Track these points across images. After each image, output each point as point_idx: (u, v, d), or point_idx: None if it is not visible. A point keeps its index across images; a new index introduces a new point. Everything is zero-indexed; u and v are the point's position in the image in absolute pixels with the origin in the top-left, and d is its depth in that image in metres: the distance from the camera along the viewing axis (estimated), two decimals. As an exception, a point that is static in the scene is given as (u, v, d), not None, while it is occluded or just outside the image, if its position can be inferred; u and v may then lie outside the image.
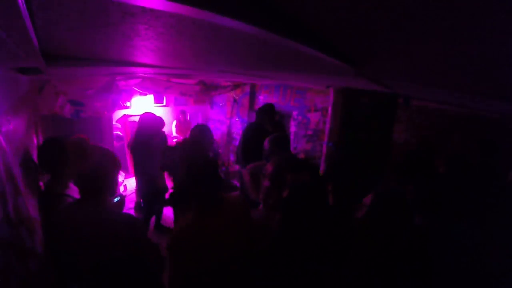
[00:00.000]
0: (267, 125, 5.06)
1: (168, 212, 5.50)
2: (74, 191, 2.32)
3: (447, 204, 2.35)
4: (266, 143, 3.34)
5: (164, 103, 9.12)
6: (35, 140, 3.25)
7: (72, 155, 2.26)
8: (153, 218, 5.22)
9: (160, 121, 4.84)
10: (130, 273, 1.96)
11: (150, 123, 4.73)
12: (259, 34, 0.87)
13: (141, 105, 8.33)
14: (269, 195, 2.15)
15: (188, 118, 9.03)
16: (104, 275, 1.92)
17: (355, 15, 0.81)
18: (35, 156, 2.72)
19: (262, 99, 7.90)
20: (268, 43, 1.11)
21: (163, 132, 5.23)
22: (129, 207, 5.56)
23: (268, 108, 5.21)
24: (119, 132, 7.62)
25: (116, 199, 2.89)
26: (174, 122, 8.72)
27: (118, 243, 1.96)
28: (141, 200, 5.07)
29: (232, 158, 8.95)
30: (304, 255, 1.86)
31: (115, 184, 2.16)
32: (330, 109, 4.37)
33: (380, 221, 2.16)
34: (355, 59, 1.42)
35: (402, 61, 1.34)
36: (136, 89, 6.43)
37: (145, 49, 1.41)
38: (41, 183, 2.80)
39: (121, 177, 6.14)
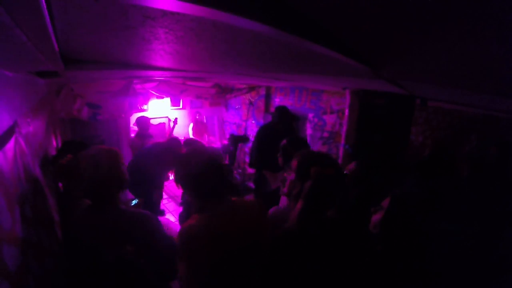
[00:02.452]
0: (280, 127, 5.06)
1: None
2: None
3: (465, 207, 2.31)
4: (283, 146, 3.30)
5: (181, 106, 9.19)
6: (54, 142, 3.29)
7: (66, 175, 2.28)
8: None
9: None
10: (143, 271, 1.97)
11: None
12: (278, 36, 0.86)
13: (158, 108, 8.41)
14: (293, 187, 2.13)
15: (205, 121, 9.09)
16: (118, 272, 1.93)
17: (374, 18, 0.80)
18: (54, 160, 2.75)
19: (277, 101, 7.88)
20: (288, 45, 1.10)
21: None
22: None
23: (281, 110, 5.22)
24: (135, 135, 7.71)
25: (133, 202, 2.91)
26: (191, 125, 8.78)
27: (133, 240, 1.97)
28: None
29: (248, 160, 8.95)
30: (320, 250, 1.85)
31: (122, 179, 2.14)
32: (346, 111, 4.34)
33: (398, 225, 2.13)
34: (373, 60, 1.40)
35: (421, 62, 1.32)
36: (153, 92, 6.48)
37: (164, 53, 1.41)
38: (60, 185, 2.83)
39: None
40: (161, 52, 1.38)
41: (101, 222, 1.98)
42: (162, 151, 4.76)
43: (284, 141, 3.33)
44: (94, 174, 1.99)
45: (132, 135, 7.34)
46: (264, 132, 5.24)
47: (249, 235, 1.89)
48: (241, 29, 0.86)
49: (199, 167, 1.90)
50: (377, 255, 2.06)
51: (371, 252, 2.07)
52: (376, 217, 2.22)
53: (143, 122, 6.07)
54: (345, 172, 2.85)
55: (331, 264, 1.87)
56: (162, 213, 6.52)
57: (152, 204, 4.77)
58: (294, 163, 2.14)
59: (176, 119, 6.88)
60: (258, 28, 0.78)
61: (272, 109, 7.86)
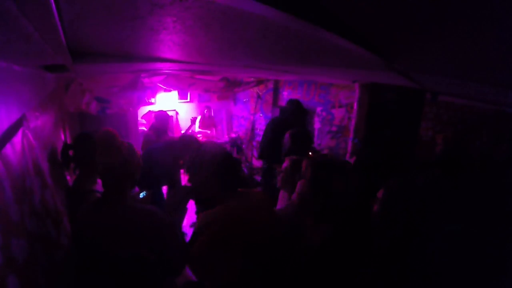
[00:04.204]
0: (292, 120, 5.05)
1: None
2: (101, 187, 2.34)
3: (473, 205, 2.28)
4: (286, 138, 3.34)
5: (188, 99, 9.21)
6: (62, 137, 3.30)
7: (99, 149, 2.25)
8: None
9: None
10: (151, 265, 1.98)
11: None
12: (289, 22, 0.85)
13: (166, 101, 8.43)
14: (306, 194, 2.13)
15: (212, 114, 9.11)
16: (127, 267, 1.94)
17: (389, 6, 0.78)
18: (63, 152, 2.76)
19: (286, 95, 7.86)
20: (298, 34, 1.08)
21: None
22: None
23: (294, 103, 5.22)
24: (144, 128, 7.72)
25: (142, 195, 2.91)
26: (199, 117, 8.80)
27: (142, 234, 1.97)
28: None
29: (256, 154, 8.93)
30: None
31: (137, 177, 2.17)
32: (355, 104, 4.31)
33: (393, 214, 2.11)
34: (386, 51, 1.38)
35: (436, 53, 1.30)
36: (161, 86, 6.48)
37: (172, 44, 1.40)
38: (68, 178, 2.84)
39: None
40: (169, 43, 1.37)
41: (109, 218, 1.99)
42: (177, 150, 4.75)
43: (287, 135, 3.35)
44: (127, 165, 2.02)
45: (144, 128, 7.35)
46: (276, 125, 5.23)
47: (261, 224, 1.91)
48: (251, 18, 0.85)
49: (214, 163, 2.00)
50: (377, 253, 2.03)
51: (371, 251, 2.05)
52: (375, 208, 2.20)
53: (162, 118, 5.97)
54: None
55: (330, 263, 1.85)
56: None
57: (160, 198, 4.77)
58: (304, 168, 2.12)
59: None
60: (268, 13, 0.76)
61: (281, 103, 7.87)
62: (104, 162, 2.05)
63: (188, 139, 4.81)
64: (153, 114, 6.14)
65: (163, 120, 5.86)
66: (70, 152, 2.75)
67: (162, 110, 6.06)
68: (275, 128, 5.15)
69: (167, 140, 5.17)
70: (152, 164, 4.30)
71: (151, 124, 6.00)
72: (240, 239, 1.86)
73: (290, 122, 5.04)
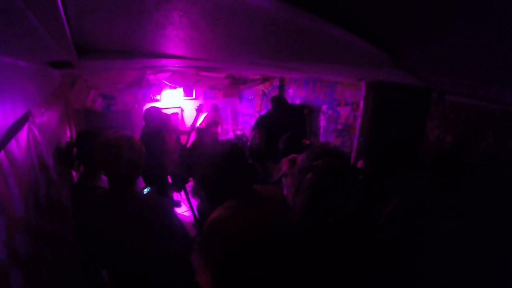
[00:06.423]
0: (277, 117, 5.12)
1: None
2: (107, 183, 2.35)
3: (479, 207, 2.26)
4: (280, 143, 3.38)
5: (194, 96, 9.20)
6: (68, 133, 3.31)
7: (99, 155, 2.23)
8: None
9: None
10: (160, 260, 1.98)
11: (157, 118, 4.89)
12: (296, 17, 0.84)
13: (171, 98, 8.42)
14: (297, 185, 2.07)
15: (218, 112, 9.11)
16: (135, 262, 1.94)
17: (397, 2, 0.77)
18: (66, 150, 2.77)
19: (291, 92, 7.83)
20: (305, 30, 1.07)
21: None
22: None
23: (276, 100, 5.28)
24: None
25: (146, 190, 2.92)
26: (205, 114, 8.80)
27: (148, 226, 1.97)
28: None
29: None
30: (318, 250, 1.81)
31: (141, 171, 2.17)
32: (361, 103, 4.29)
33: (394, 213, 2.09)
34: (393, 48, 1.36)
35: (444, 51, 1.28)
36: (166, 83, 6.48)
37: (178, 39, 1.39)
38: (73, 174, 2.85)
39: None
40: (175, 38, 1.36)
41: (120, 209, 1.99)
42: (158, 134, 4.74)
43: (280, 140, 3.39)
44: (130, 157, 2.02)
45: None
46: (262, 123, 5.26)
47: (275, 222, 1.86)
48: (258, 13, 0.84)
49: (228, 160, 1.87)
50: (377, 253, 2.02)
51: (371, 250, 2.03)
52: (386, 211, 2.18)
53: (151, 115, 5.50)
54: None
55: (327, 264, 1.83)
56: (178, 204, 6.54)
57: (165, 192, 4.79)
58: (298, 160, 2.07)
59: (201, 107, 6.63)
60: (276, 7, 0.75)
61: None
62: (107, 167, 2.06)
63: (156, 112, 4.77)
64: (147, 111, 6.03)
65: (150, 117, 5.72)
66: (74, 150, 2.75)
67: (152, 106, 5.29)
68: (260, 127, 5.21)
69: (145, 131, 4.98)
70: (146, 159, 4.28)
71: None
72: (259, 244, 1.77)
73: (275, 120, 5.09)
